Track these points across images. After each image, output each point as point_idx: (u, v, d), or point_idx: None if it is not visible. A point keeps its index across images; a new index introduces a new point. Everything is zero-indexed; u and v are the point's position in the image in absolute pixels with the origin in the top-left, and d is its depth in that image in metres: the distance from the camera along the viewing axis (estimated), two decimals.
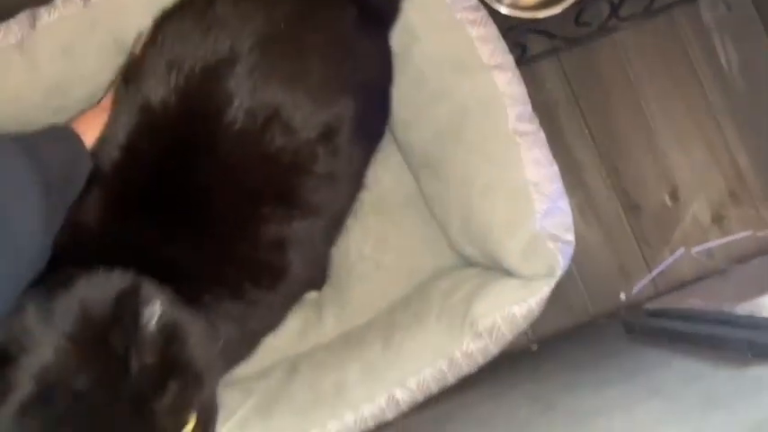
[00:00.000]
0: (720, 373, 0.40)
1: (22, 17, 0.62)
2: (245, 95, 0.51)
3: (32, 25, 0.62)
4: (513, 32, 0.71)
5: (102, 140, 0.53)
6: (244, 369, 0.69)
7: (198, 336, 0.45)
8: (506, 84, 0.63)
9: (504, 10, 0.74)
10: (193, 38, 0.52)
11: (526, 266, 0.60)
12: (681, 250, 0.77)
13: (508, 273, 0.62)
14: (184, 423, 0.44)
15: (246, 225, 0.52)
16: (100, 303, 0.43)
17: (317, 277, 0.68)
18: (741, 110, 0.79)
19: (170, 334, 0.43)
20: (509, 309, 0.59)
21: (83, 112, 0.59)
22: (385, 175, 0.73)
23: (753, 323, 0.44)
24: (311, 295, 0.73)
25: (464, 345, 0.61)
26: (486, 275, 0.65)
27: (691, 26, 0.81)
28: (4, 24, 0.62)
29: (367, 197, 0.72)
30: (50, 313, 0.43)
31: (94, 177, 0.52)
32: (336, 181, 0.56)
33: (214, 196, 0.51)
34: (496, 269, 0.65)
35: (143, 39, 0.58)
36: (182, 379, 0.43)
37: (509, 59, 0.64)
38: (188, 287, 0.47)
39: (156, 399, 0.42)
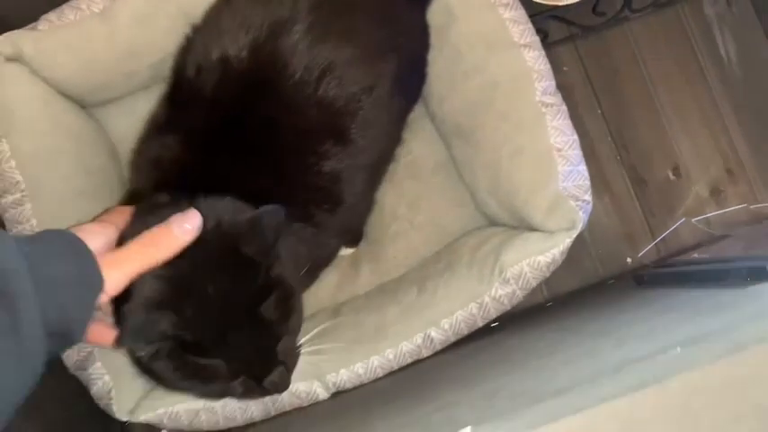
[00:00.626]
0: (724, 293, 0.48)
1: None
2: (303, 51, 0.59)
3: None
4: (536, 18, 0.78)
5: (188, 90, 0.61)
6: None
7: (288, 255, 0.53)
8: (534, 60, 0.71)
9: None
10: (260, 2, 0.60)
11: (551, 221, 0.67)
12: (682, 220, 0.85)
13: (532, 228, 0.70)
14: (282, 326, 0.52)
15: (308, 159, 0.60)
16: (230, 220, 0.50)
17: (362, 217, 0.75)
18: (738, 96, 0.87)
19: (276, 252, 0.51)
20: (535, 258, 0.66)
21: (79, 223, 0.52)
22: (418, 144, 0.80)
23: (749, 257, 0.52)
24: (348, 251, 0.81)
25: (493, 290, 0.68)
26: (511, 232, 0.72)
27: (694, 19, 0.89)
28: None
29: (401, 163, 0.80)
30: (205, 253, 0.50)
31: (182, 122, 0.60)
32: (378, 128, 0.64)
33: (282, 135, 0.59)
34: (521, 227, 0.72)
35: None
36: (280, 291, 0.51)
37: (536, 39, 0.72)
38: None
39: (263, 304, 0.50)
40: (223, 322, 0.49)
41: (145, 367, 0.51)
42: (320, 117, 0.60)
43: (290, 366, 0.53)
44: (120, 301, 0.48)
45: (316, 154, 0.60)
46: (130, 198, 0.62)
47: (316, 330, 0.62)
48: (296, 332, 0.55)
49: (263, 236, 0.50)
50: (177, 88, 0.64)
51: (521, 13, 0.72)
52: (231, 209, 0.53)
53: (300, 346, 0.56)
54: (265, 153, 0.59)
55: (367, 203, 0.73)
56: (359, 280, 0.79)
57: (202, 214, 0.50)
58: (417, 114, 0.79)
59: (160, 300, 0.48)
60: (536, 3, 0.80)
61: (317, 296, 0.78)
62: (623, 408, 0.32)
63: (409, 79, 0.70)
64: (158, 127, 0.63)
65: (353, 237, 0.78)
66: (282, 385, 0.52)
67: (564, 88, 0.72)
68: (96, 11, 0.69)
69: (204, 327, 0.48)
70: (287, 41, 0.59)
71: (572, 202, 0.67)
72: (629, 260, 0.84)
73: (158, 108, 0.66)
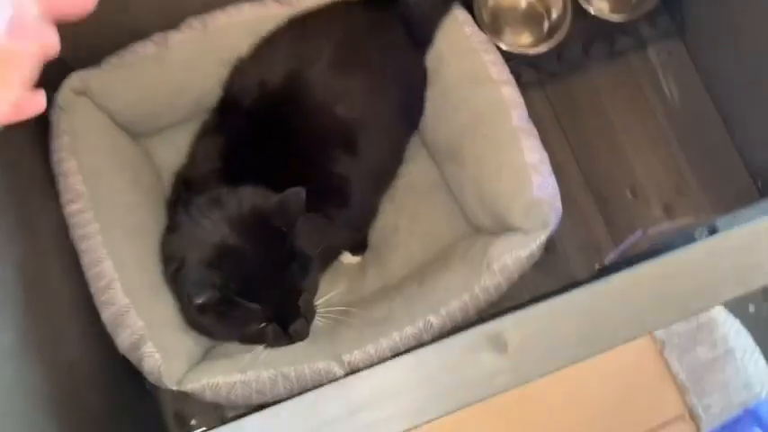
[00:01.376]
0: None
1: (158, 36, 0.83)
2: (325, 80, 0.75)
3: (165, 42, 0.84)
4: (510, 64, 0.94)
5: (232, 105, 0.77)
6: None
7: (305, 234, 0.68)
8: (510, 94, 0.86)
9: (504, 47, 0.98)
10: (293, 42, 0.76)
11: (527, 222, 0.81)
12: (639, 231, 0.99)
13: (513, 230, 0.83)
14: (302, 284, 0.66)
15: (322, 162, 0.75)
16: (263, 202, 0.64)
17: (366, 220, 0.88)
18: (681, 127, 1.04)
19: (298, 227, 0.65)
20: (516, 252, 0.79)
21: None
22: (415, 166, 0.94)
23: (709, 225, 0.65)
24: (356, 259, 0.93)
25: (482, 281, 0.80)
26: (496, 235, 0.86)
27: (642, 66, 1.06)
28: (144, 41, 0.84)
29: (401, 183, 0.93)
30: (222, 203, 0.65)
31: (226, 127, 0.76)
32: (382, 144, 0.80)
33: (303, 142, 0.74)
34: (503, 232, 0.86)
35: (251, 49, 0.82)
36: (302, 257, 0.65)
37: (511, 77, 0.87)
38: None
39: (289, 266, 0.64)
40: (258, 279, 0.64)
41: (196, 321, 0.67)
42: (335, 131, 0.75)
43: (309, 319, 0.68)
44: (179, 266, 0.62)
45: (329, 159, 0.75)
46: (183, 183, 0.77)
47: (331, 294, 0.75)
48: (313, 292, 0.70)
49: (288, 211, 0.65)
50: (224, 102, 0.80)
51: (498, 57, 0.88)
52: (262, 195, 0.68)
53: (317, 305, 0.70)
54: (289, 155, 0.73)
55: (370, 209, 0.86)
56: (366, 282, 0.91)
57: (242, 199, 0.65)
58: (414, 142, 0.94)
59: (210, 261, 0.63)
60: (509, 51, 0.97)
61: (329, 299, 0.90)
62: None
63: (410, 109, 0.86)
64: (209, 129, 0.79)
65: (360, 244, 0.91)
66: (303, 333, 0.67)
67: (534, 122, 0.87)
68: (150, 54, 0.83)
69: (244, 281, 0.63)
70: (312, 72, 0.75)
71: (544, 207, 0.81)
72: (596, 266, 0.98)
73: (209, 116, 0.81)
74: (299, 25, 0.81)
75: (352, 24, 0.80)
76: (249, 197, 0.67)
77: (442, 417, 0.41)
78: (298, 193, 0.64)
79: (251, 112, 0.75)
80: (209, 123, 0.81)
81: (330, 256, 0.82)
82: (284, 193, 0.65)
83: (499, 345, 0.43)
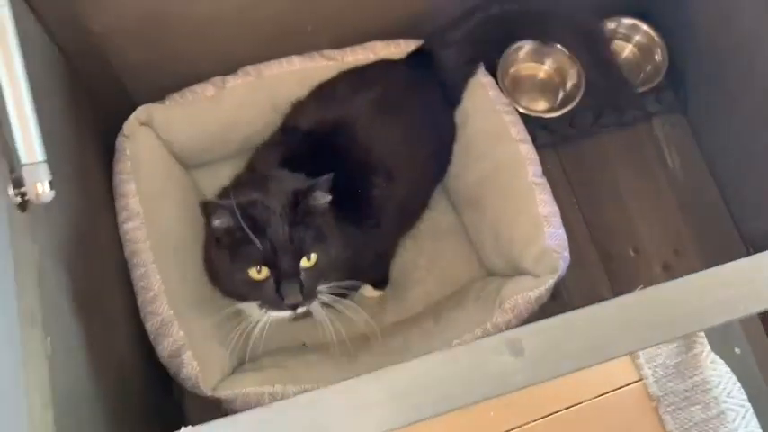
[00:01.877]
0: None
1: (217, 79, 0.94)
2: (369, 124, 0.86)
3: (223, 85, 0.94)
4: (527, 126, 1.04)
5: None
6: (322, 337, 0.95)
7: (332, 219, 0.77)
8: (527, 151, 0.95)
9: (522, 110, 1.08)
10: (346, 90, 0.89)
11: (538, 267, 0.89)
12: (640, 287, 1.06)
13: (524, 273, 0.91)
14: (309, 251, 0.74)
15: (362, 186, 0.85)
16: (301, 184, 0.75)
17: (388, 248, 0.97)
18: (681, 193, 1.12)
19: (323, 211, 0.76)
20: (527, 293, 0.86)
21: None
22: (436, 212, 1.03)
23: None
24: (377, 293, 1.01)
25: (494, 318, 0.87)
26: (508, 277, 0.94)
27: (648, 137, 1.16)
28: (205, 83, 0.94)
29: (423, 226, 1.02)
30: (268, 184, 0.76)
31: (286, 142, 0.88)
32: (416, 183, 0.91)
33: (348, 166, 0.82)
34: (515, 275, 0.94)
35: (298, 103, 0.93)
36: (313, 232, 0.74)
37: (528, 137, 0.97)
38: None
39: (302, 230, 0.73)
40: (269, 222, 0.72)
41: (213, 265, 0.79)
42: (374, 164, 0.85)
43: (305, 290, 0.73)
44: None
45: (368, 184, 0.85)
46: (248, 169, 0.89)
47: (332, 284, 0.80)
48: (319, 276, 0.76)
49: (319, 191, 0.74)
50: (286, 125, 0.91)
51: (517, 118, 0.98)
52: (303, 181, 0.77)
53: (320, 291, 0.76)
54: (332, 170, 0.82)
55: (394, 238, 0.96)
56: (385, 315, 0.98)
57: (284, 177, 0.78)
58: (435, 191, 1.03)
59: (233, 193, 0.74)
60: (527, 114, 1.07)
61: (352, 325, 0.97)
62: None
63: (440, 158, 0.96)
64: (273, 142, 0.90)
65: (382, 280, 0.99)
66: (293, 295, 0.72)
67: (547, 180, 0.96)
68: (209, 95, 0.94)
69: (256, 218, 0.72)
70: (359, 117, 0.86)
71: (554, 254, 0.89)
72: None
73: (274, 134, 0.92)
74: (351, 77, 0.93)
75: (394, 81, 0.92)
76: (290, 178, 0.78)
77: (468, 405, 0.48)
78: (327, 179, 0.73)
79: (308, 134, 0.86)
80: (274, 137, 0.92)
81: (354, 268, 0.89)
82: (317, 179, 0.74)
83: (517, 349, 0.50)
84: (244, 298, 0.78)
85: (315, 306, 0.78)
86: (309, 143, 0.85)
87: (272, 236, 0.72)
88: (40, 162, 0.56)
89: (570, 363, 0.50)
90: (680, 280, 0.54)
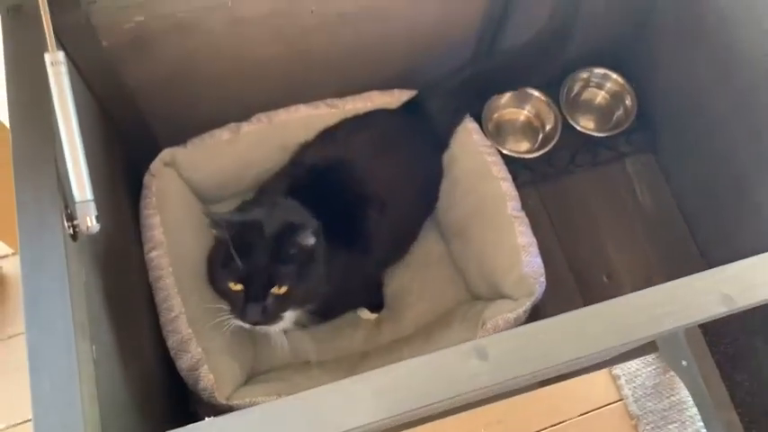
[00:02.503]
0: None
1: (232, 125, 1.06)
2: (366, 164, 0.98)
3: (238, 130, 1.06)
4: (510, 166, 1.15)
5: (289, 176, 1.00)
6: (324, 355, 1.05)
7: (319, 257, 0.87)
8: (507, 188, 1.06)
9: (505, 151, 1.20)
10: (347, 135, 1.02)
11: (517, 291, 0.99)
12: None
13: (504, 297, 1.02)
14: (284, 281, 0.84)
15: (357, 217, 0.96)
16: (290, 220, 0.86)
17: (375, 277, 1.08)
18: (650, 225, 1.23)
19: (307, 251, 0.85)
20: (506, 315, 0.96)
21: None
22: (427, 243, 1.14)
23: None
24: (373, 316, 1.11)
25: (477, 337, 0.98)
26: (490, 301, 1.04)
27: (620, 173, 1.27)
28: (222, 128, 1.06)
29: (415, 255, 1.13)
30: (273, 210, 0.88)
31: (292, 174, 1.00)
32: (405, 216, 1.02)
33: (346, 199, 0.95)
34: (496, 297, 1.04)
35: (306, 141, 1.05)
36: (296, 264, 0.84)
37: (509, 175, 1.09)
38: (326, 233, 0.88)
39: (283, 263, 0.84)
40: (255, 247, 0.82)
41: (211, 265, 0.89)
42: (370, 199, 0.97)
43: (269, 311, 0.83)
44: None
45: (362, 216, 0.96)
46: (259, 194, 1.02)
47: (298, 313, 0.90)
48: (288, 304, 0.85)
49: (307, 231, 0.84)
50: (293, 160, 1.03)
51: (499, 159, 1.09)
52: (304, 215, 0.88)
53: (282, 317, 0.86)
54: (335, 204, 0.93)
55: (381, 271, 1.07)
56: (381, 335, 1.09)
57: (286, 212, 0.88)
58: (426, 224, 1.14)
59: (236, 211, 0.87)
60: (509, 155, 1.19)
61: (349, 344, 1.07)
62: None
63: (427, 196, 1.08)
64: (283, 172, 1.02)
65: (377, 304, 1.10)
66: (252, 315, 0.83)
67: (528, 214, 1.07)
68: (225, 139, 1.06)
69: (245, 240, 0.82)
70: (358, 158, 0.98)
71: (531, 280, 0.99)
72: None
73: (286, 164, 1.04)
74: (351, 123, 1.06)
75: (390, 125, 1.05)
76: (290, 209, 0.88)
77: (441, 402, 0.59)
78: (317, 225, 0.85)
79: (311, 168, 0.99)
80: (284, 168, 1.04)
81: (343, 291, 0.99)
82: (312, 221, 0.85)
83: (483, 354, 0.61)
84: (222, 297, 0.89)
85: (275, 328, 0.89)
86: (312, 176, 0.98)
87: (253, 260, 0.83)
88: (89, 200, 0.68)
89: (526, 366, 0.61)
90: (616, 299, 0.64)
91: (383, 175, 0.99)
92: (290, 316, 0.89)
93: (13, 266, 1.36)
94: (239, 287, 0.84)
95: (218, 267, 0.87)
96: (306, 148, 1.05)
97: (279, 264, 0.84)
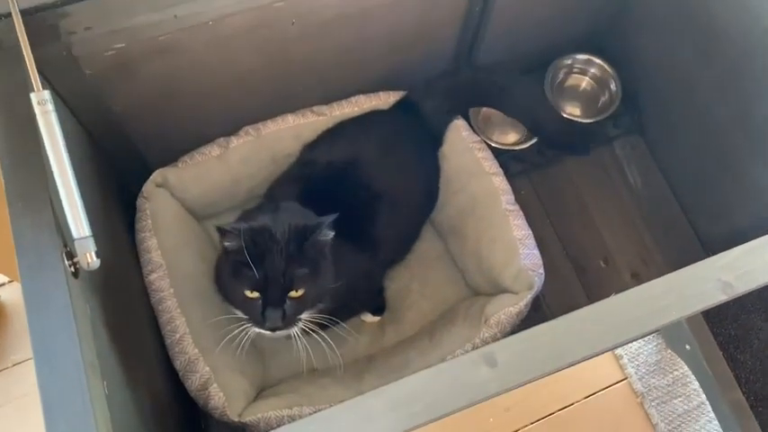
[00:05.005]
0: None
1: (221, 140, 1.06)
2: (370, 166, 0.99)
3: (227, 145, 1.06)
4: (500, 158, 1.16)
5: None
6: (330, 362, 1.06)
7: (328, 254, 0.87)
8: (499, 183, 1.07)
9: (494, 144, 1.21)
10: (348, 136, 1.04)
11: (516, 285, 1.00)
12: (613, 294, 1.18)
13: (505, 291, 1.03)
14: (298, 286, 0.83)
15: (364, 215, 0.97)
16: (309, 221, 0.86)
17: (379, 274, 1.08)
18: (643, 207, 1.24)
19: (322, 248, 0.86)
20: (508, 309, 0.97)
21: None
22: (424, 242, 1.15)
23: None
24: (376, 319, 1.12)
25: (481, 334, 0.99)
26: (491, 296, 1.05)
27: (610, 158, 1.28)
28: (211, 144, 1.06)
29: (414, 255, 1.14)
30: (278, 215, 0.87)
31: (302, 174, 1.02)
32: (410, 214, 1.04)
33: (353, 199, 0.96)
34: (496, 292, 1.05)
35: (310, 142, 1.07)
36: (309, 268, 0.84)
37: (500, 170, 1.09)
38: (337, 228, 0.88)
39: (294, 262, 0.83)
40: (269, 252, 0.81)
41: (221, 276, 0.89)
42: (375, 197, 0.98)
43: (287, 317, 0.83)
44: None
45: (371, 208, 0.98)
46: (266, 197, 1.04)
47: (311, 314, 0.89)
48: (304, 306, 0.85)
49: (325, 229, 0.84)
50: (303, 158, 1.05)
51: (489, 154, 1.10)
52: (312, 216, 0.88)
53: (300, 319, 0.86)
54: (344, 204, 0.92)
55: (383, 272, 1.08)
56: (385, 337, 1.10)
57: (296, 216, 0.87)
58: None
59: (245, 219, 0.86)
60: (499, 148, 1.19)
61: (355, 349, 1.08)
62: None
63: (429, 192, 1.09)
64: (292, 173, 1.04)
65: (379, 307, 1.11)
66: (272, 321, 0.82)
67: (521, 204, 1.08)
68: (215, 155, 1.06)
69: (259, 246, 0.81)
70: (362, 158, 1.00)
71: (530, 272, 1.00)
72: None
73: (292, 166, 1.06)
74: (351, 124, 1.08)
75: (390, 127, 1.07)
76: (299, 212, 0.88)
77: (454, 412, 0.60)
78: (331, 218, 0.84)
79: (323, 167, 1.01)
80: (292, 168, 1.05)
81: (350, 289, 0.98)
82: (324, 218, 0.85)
83: (491, 361, 0.62)
84: (237, 307, 0.88)
85: (293, 332, 0.89)
86: (321, 178, 1.00)
87: (268, 266, 0.82)
88: (87, 236, 0.67)
89: (534, 369, 0.62)
90: (615, 296, 0.65)
91: (388, 173, 1.01)
92: (305, 318, 0.89)
93: (10, 294, 1.35)
94: (255, 294, 0.84)
95: (229, 278, 0.86)
96: (310, 151, 1.06)
97: (296, 267, 0.83)
